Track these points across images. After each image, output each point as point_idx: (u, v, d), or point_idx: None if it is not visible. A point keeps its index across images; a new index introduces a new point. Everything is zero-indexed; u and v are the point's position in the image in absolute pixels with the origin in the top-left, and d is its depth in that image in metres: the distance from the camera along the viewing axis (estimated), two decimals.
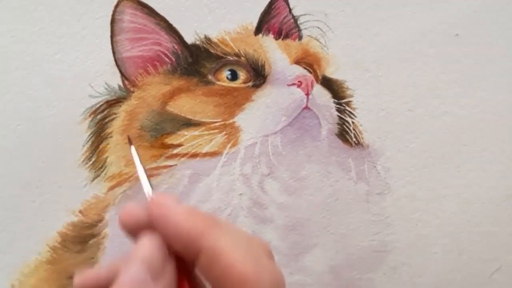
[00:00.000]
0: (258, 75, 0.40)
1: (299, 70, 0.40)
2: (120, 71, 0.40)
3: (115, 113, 0.40)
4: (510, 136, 0.41)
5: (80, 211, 0.39)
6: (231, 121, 0.39)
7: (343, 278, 0.40)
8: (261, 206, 0.39)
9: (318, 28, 0.41)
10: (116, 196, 0.39)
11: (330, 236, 0.40)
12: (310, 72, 0.41)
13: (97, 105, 0.40)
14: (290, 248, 0.39)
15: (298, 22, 0.41)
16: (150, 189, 0.25)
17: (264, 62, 0.40)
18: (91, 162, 0.39)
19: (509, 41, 0.42)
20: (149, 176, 0.38)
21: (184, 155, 0.39)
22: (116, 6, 0.40)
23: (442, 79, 0.41)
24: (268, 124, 0.40)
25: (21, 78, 0.39)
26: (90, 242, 0.39)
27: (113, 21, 0.40)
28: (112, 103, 0.40)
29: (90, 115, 0.40)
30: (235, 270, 0.21)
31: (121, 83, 0.40)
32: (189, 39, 0.40)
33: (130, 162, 0.39)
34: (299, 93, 0.40)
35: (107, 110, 0.40)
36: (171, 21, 0.40)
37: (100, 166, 0.39)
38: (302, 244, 0.40)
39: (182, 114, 0.39)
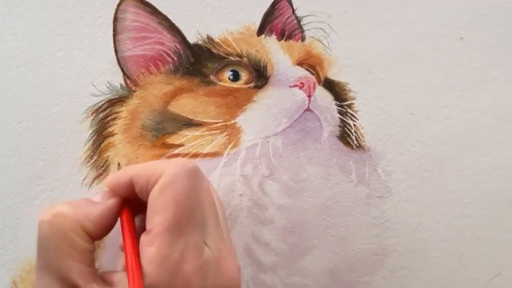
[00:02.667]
0: (260, 76, 0.40)
1: (301, 72, 0.40)
2: (122, 70, 0.40)
3: (117, 112, 0.40)
4: None
5: None
6: (232, 121, 0.39)
7: (342, 281, 0.40)
8: (261, 207, 0.39)
9: (321, 29, 0.41)
10: None
11: (329, 239, 0.40)
12: (313, 74, 0.41)
13: (99, 104, 0.40)
14: (290, 250, 0.39)
15: (301, 23, 0.41)
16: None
17: (267, 63, 0.40)
18: (92, 161, 0.39)
19: None
20: None
21: (185, 155, 0.39)
22: (119, 4, 0.40)
23: (445, 83, 0.41)
24: (269, 125, 0.39)
25: (23, 76, 0.40)
26: None
27: (115, 20, 0.40)
28: (114, 102, 0.40)
29: (92, 114, 0.40)
30: None
31: (123, 82, 0.40)
32: (192, 38, 0.40)
33: (131, 161, 0.39)
34: (301, 94, 0.39)
35: (109, 109, 0.40)
36: (173, 21, 0.40)
37: (101, 164, 0.39)
38: (302, 246, 0.40)
39: (184, 114, 0.39)
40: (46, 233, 0.27)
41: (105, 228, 0.29)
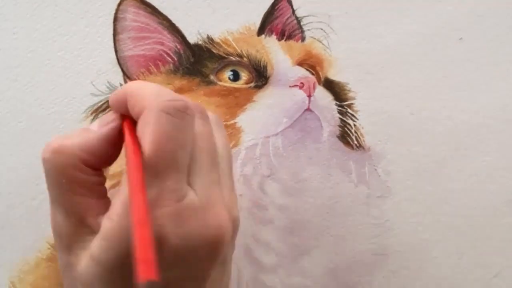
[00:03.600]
0: (260, 76, 0.40)
1: (302, 72, 0.40)
2: (122, 70, 0.40)
3: None
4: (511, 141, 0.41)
5: None
6: (232, 121, 0.39)
7: (342, 281, 0.40)
8: (261, 207, 0.39)
9: (321, 29, 0.41)
10: None
11: (329, 239, 0.40)
12: (313, 74, 0.41)
13: (99, 104, 0.40)
14: (290, 250, 0.39)
15: (301, 23, 0.41)
16: None
17: (267, 63, 0.40)
18: None
19: None
20: None
21: None
22: (119, 4, 0.40)
23: (444, 83, 0.41)
24: (270, 125, 0.40)
25: (23, 75, 0.39)
26: None
27: (115, 20, 0.40)
28: None
29: (91, 114, 0.40)
30: None
31: (123, 82, 0.40)
32: (192, 39, 0.40)
33: None
34: (301, 94, 0.40)
35: (109, 108, 0.40)
36: (174, 21, 0.40)
37: None
38: (302, 246, 0.40)
39: None
40: (47, 172, 0.26)
41: (107, 155, 0.27)
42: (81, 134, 0.27)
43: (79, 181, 0.26)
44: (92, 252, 0.24)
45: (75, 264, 0.25)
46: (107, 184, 0.39)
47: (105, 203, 0.26)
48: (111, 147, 0.27)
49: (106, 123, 0.27)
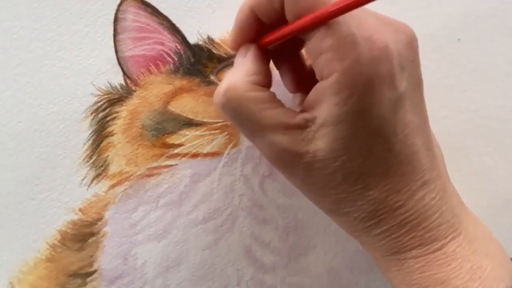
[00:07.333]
0: None
1: None
2: (122, 70, 0.40)
3: (117, 112, 0.40)
4: (511, 141, 0.41)
5: (80, 209, 0.39)
6: None
7: (342, 280, 0.40)
8: (261, 207, 0.39)
9: None
10: (116, 195, 0.39)
11: (329, 238, 0.40)
12: None
13: (99, 104, 0.40)
14: (290, 250, 0.39)
15: None
16: None
17: None
18: (91, 161, 0.39)
19: None
20: (150, 175, 0.39)
21: (185, 154, 0.39)
22: (119, 5, 0.40)
23: (443, 83, 0.41)
24: None
25: (22, 75, 0.39)
26: (89, 240, 0.39)
27: (116, 20, 0.40)
28: (114, 101, 0.40)
29: (91, 114, 0.40)
30: None
31: (123, 82, 0.40)
32: (192, 39, 0.40)
33: (130, 161, 0.39)
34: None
35: (109, 108, 0.40)
36: (174, 21, 0.40)
37: (100, 164, 0.39)
38: (302, 246, 0.40)
39: (184, 114, 0.39)
40: (233, 111, 0.30)
41: (267, 72, 0.32)
42: (238, 68, 0.31)
43: (261, 99, 0.29)
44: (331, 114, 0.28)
45: (311, 154, 0.29)
46: (107, 184, 0.39)
47: (291, 111, 0.30)
48: (265, 61, 0.32)
49: (245, 52, 0.32)
